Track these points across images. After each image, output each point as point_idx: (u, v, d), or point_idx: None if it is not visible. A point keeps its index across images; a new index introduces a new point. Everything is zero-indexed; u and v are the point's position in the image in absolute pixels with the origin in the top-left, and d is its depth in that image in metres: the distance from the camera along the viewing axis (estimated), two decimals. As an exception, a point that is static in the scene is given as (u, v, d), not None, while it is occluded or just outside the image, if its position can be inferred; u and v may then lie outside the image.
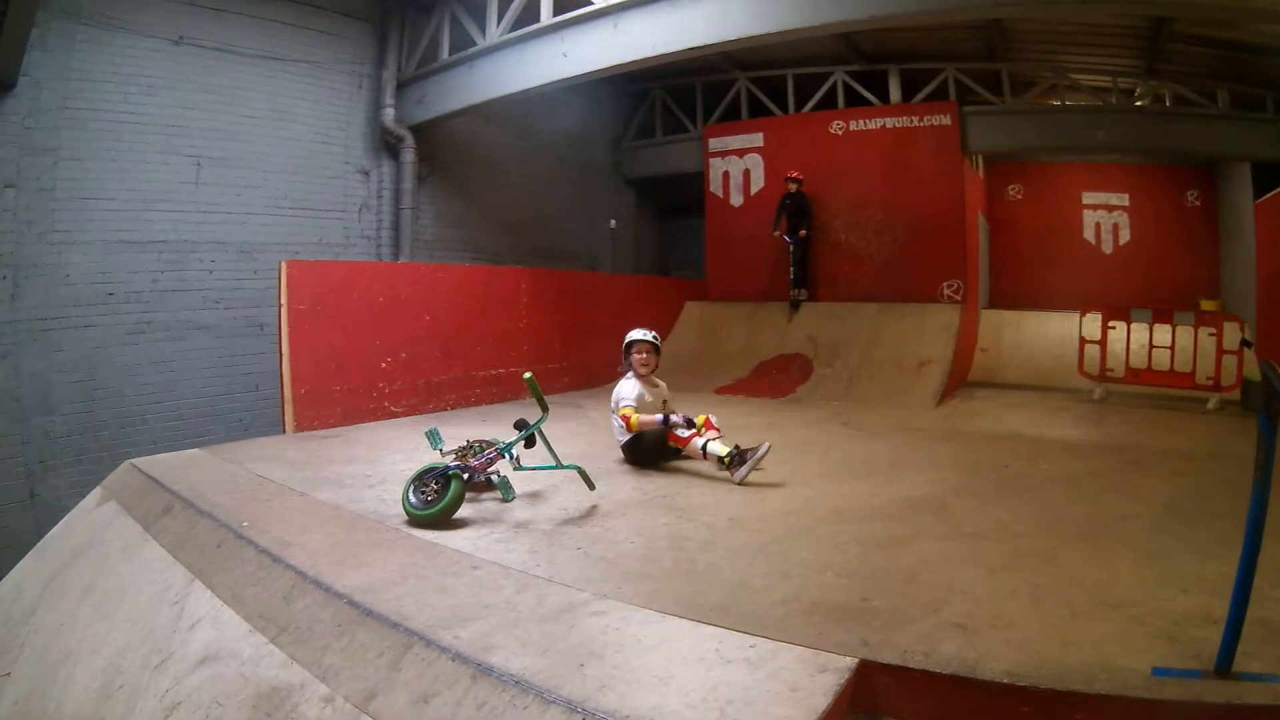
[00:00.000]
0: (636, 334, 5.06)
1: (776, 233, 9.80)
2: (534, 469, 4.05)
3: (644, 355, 5.02)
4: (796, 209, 9.80)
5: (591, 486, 4.03)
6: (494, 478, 3.82)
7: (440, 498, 3.56)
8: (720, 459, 4.41)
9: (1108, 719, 2.03)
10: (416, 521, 3.53)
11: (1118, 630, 2.42)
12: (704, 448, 4.51)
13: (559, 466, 4.01)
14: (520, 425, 4.06)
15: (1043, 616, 2.53)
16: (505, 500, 3.77)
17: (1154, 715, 2.03)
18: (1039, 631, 2.40)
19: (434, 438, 4.06)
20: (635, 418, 4.79)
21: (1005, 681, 2.09)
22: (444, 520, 3.54)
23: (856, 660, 2.14)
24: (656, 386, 5.11)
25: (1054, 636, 2.37)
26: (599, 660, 2.13)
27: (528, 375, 3.90)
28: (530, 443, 4.04)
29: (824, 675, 2.06)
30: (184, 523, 3.57)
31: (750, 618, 2.45)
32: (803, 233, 9.75)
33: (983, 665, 2.17)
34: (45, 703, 2.98)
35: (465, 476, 3.68)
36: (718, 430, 4.70)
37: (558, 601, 2.58)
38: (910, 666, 2.16)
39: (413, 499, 3.61)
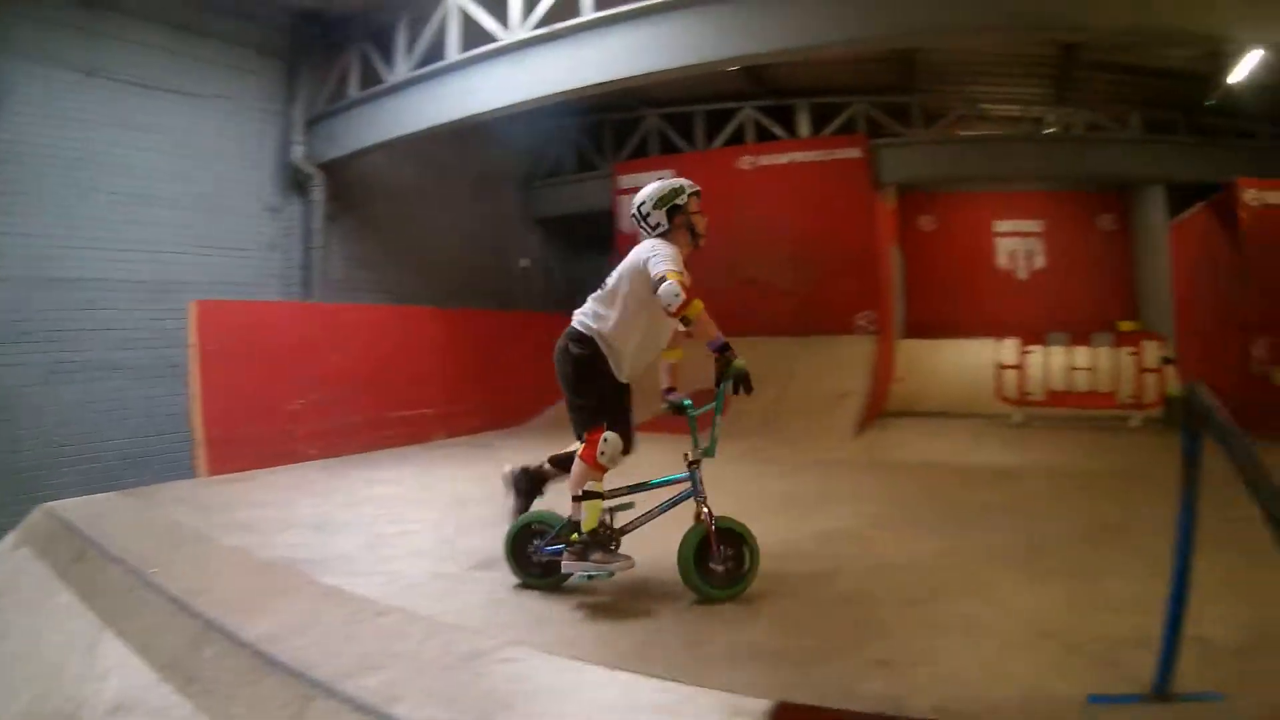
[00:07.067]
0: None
1: None
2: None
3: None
4: None
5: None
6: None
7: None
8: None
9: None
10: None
11: (1054, 659, 2.40)
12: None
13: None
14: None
15: (975, 649, 2.49)
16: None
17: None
18: (971, 666, 2.37)
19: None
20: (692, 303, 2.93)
21: (932, 718, 2.05)
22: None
23: (773, 702, 2.07)
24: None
25: (987, 670, 2.34)
26: (507, 711, 2.02)
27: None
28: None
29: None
30: (95, 569, 3.46)
31: (664, 662, 2.40)
32: None
33: (907, 701, 2.13)
34: (-49, 757, 2.84)
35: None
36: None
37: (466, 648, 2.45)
38: (824, 706, 2.10)
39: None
